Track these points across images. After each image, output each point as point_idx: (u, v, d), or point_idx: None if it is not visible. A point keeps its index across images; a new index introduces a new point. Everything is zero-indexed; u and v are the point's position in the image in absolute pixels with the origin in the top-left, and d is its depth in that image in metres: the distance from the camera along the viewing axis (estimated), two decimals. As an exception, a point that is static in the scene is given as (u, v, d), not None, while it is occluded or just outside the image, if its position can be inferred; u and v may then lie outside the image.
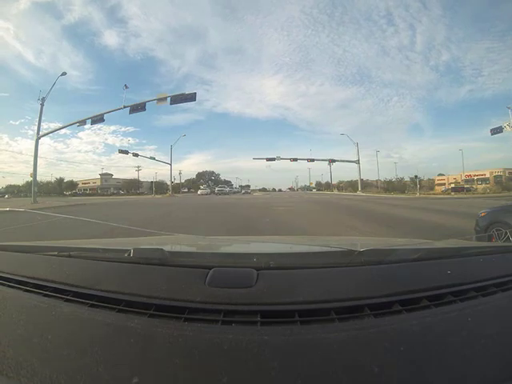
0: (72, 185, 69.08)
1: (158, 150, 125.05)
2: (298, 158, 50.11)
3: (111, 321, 0.58)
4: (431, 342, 0.52)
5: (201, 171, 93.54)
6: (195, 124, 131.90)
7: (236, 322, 0.57)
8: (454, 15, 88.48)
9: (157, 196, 36.65)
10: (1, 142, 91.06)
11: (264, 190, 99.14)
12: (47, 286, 0.73)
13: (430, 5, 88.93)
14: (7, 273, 0.82)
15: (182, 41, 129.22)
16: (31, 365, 0.47)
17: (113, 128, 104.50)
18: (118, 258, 0.84)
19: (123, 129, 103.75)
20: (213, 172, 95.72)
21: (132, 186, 66.71)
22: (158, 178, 69.06)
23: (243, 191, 49.90)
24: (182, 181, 79.25)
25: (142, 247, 1.00)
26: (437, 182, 57.18)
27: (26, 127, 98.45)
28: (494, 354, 0.50)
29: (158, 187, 60.10)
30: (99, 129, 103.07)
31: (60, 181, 67.48)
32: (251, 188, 78.05)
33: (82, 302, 0.65)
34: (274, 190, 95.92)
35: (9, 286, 0.76)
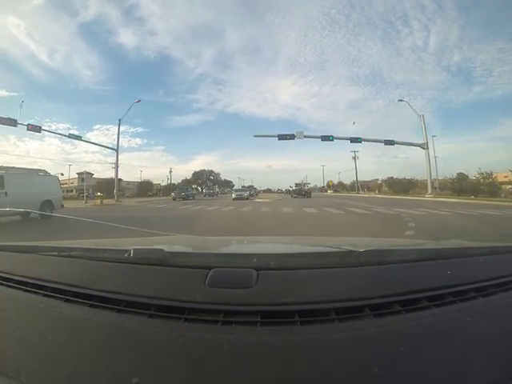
0: None
1: (166, 150, 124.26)
2: (336, 136, 30.52)
3: (111, 321, 0.58)
4: (431, 342, 0.52)
5: (198, 170, 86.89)
6: (206, 124, 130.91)
7: (236, 322, 0.56)
8: (468, 16, 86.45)
9: (91, 202, 25.45)
10: (8, 143, 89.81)
11: (269, 191, 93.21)
12: (47, 286, 0.73)
13: (445, 6, 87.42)
14: (7, 273, 0.82)
15: (199, 40, 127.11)
16: (31, 365, 0.47)
17: (121, 129, 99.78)
18: (118, 258, 0.84)
19: (132, 129, 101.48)
20: (212, 171, 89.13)
21: (108, 187, 54.51)
22: (169, 179, 65.13)
23: (235, 194, 30.38)
24: (179, 181, 77.11)
25: (141, 247, 0.99)
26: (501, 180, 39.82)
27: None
28: (494, 355, 0.50)
29: (143, 188, 56.89)
30: (107, 129, 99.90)
31: None
32: (254, 188, 63.54)
33: (82, 302, 0.65)
34: (280, 191, 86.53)
35: (8, 286, 0.76)
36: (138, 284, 0.69)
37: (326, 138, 29.92)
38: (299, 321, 0.56)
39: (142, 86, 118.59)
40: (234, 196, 29.87)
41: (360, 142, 30.51)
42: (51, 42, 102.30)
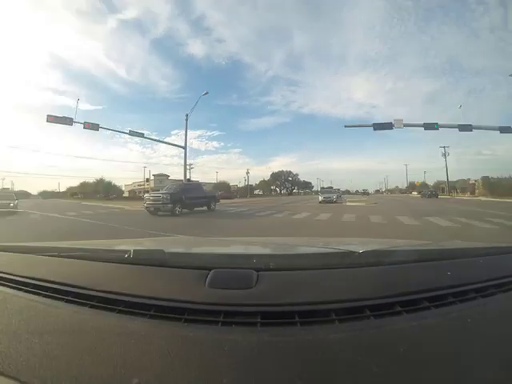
0: (113, 187, 62.94)
1: (243, 153, 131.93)
2: (441, 124, 22.55)
3: (111, 322, 0.58)
4: (431, 343, 0.52)
5: (276, 171, 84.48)
6: (281, 126, 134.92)
7: (236, 323, 0.57)
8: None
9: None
10: (95, 150, 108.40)
11: (347, 192, 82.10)
12: (48, 287, 0.73)
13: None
14: (8, 273, 0.82)
15: (267, 43, 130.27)
16: (31, 365, 0.48)
17: (198, 133, 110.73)
18: (119, 259, 0.84)
19: (208, 133, 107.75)
20: (290, 172, 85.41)
21: None
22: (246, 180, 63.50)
23: (323, 197, 25.17)
24: (256, 182, 77.09)
25: (142, 248, 1.05)
26: None
27: (117, 136, 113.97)
28: (494, 355, 0.51)
29: (219, 189, 51.24)
30: (184, 134, 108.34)
31: (102, 182, 62.13)
32: (337, 190, 38.31)
33: (83, 303, 0.65)
34: (364, 191, 78.77)
35: (9, 287, 0.76)
36: (139, 285, 0.69)
37: (430, 127, 22.73)
38: (299, 321, 0.57)
39: (215, 91, 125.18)
40: (320, 198, 25.46)
41: (470, 130, 22.52)
42: (127, 59, 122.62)
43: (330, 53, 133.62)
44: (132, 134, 23.75)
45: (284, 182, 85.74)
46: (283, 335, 0.52)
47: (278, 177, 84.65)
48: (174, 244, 1.36)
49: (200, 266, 0.74)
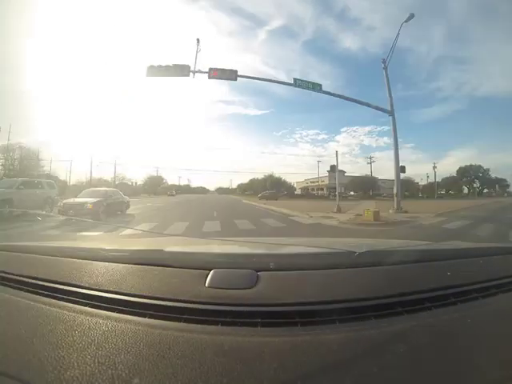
0: (283, 183, 60.28)
1: (415, 147, 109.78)
2: None
3: (111, 321, 0.58)
4: (432, 342, 0.52)
5: (463, 166, 67.55)
6: (454, 114, 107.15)
7: (236, 323, 0.56)
8: None
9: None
10: (266, 150, 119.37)
11: None
12: (48, 287, 0.73)
13: None
14: (8, 273, 0.83)
15: (423, 20, 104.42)
16: (31, 365, 0.48)
17: (368, 129, 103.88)
18: (119, 258, 0.84)
19: (378, 128, 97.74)
20: (480, 167, 66.94)
21: (363, 186, 52.68)
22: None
23: None
24: (438, 179, 65.03)
25: (141, 248, 1.02)
26: None
27: (288, 136, 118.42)
28: (494, 355, 0.51)
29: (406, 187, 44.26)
30: (354, 131, 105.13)
31: (270, 178, 59.45)
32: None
33: (82, 303, 0.65)
34: None
35: (10, 287, 0.77)
36: (139, 285, 0.69)
37: None
38: (299, 322, 0.57)
39: (377, 83, 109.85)
40: None
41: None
42: (285, 64, 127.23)
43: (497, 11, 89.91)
44: (297, 83, 13.97)
45: (473, 179, 67.76)
46: (283, 335, 0.52)
47: (465, 172, 66.70)
48: (175, 244, 1.37)
49: (200, 265, 0.74)
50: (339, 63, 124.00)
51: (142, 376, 0.44)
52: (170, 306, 0.61)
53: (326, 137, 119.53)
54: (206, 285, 0.65)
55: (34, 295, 0.71)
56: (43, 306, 0.66)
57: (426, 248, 1.13)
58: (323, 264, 0.78)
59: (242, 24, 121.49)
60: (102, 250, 0.97)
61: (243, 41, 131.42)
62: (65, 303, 0.67)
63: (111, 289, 0.68)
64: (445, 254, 1.02)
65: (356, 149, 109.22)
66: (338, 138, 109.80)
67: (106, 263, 0.83)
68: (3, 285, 0.79)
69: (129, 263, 0.80)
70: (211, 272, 0.69)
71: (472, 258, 0.93)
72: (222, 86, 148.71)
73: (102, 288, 0.69)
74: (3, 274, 0.83)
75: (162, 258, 0.80)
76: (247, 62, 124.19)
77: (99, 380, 0.44)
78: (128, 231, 5.87)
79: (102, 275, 0.76)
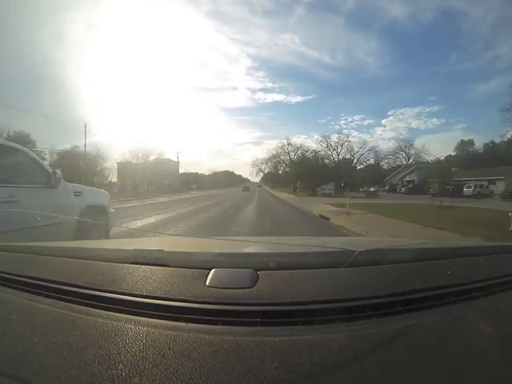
0: None
1: (467, 128, 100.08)
2: None
3: (112, 321, 0.58)
4: (432, 342, 0.52)
5: None
6: None
7: (236, 322, 0.57)
8: None
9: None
10: (312, 140, 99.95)
11: None
12: (48, 287, 0.73)
13: None
14: (8, 273, 0.83)
15: None
16: (31, 365, 0.48)
17: (416, 110, 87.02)
18: (118, 258, 0.84)
19: (427, 109, 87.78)
20: None
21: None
22: None
23: None
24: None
25: (142, 248, 1.03)
26: None
27: (333, 123, 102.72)
28: (494, 355, 0.51)
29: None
30: (402, 113, 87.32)
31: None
32: None
33: (82, 303, 0.65)
34: None
35: (9, 287, 0.77)
36: (139, 284, 0.69)
37: None
38: (300, 321, 0.57)
39: (429, 56, 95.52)
40: None
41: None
42: (327, 43, 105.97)
43: None
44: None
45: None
46: (283, 335, 0.52)
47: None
48: (174, 243, 1.37)
49: (200, 265, 0.74)
50: (385, 38, 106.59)
51: (141, 376, 0.44)
52: (170, 306, 0.61)
53: (371, 121, 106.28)
54: (207, 284, 0.66)
55: (34, 295, 0.72)
56: (43, 306, 0.66)
57: (426, 247, 1.14)
58: (323, 263, 0.79)
59: (277, 0, 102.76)
60: (102, 250, 0.98)
61: (280, 20, 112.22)
62: (65, 303, 0.67)
63: (111, 289, 0.68)
64: (445, 252, 1.02)
65: (403, 133, 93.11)
66: (384, 121, 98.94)
67: (106, 263, 0.84)
68: (3, 285, 0.79)
69: (129, 263, 0.80)
70: (211, 271, 0.69)
71: (472, 257, 0.93)
72: (259, 72, 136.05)
73: (102, 288, 0.69)
74: (3, 274, 0.83)
75: (162, 258, 0.80)
76: (286, 43, 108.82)
77: (99, 380, 0.44)
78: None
79: (102, 275, 0.76)
